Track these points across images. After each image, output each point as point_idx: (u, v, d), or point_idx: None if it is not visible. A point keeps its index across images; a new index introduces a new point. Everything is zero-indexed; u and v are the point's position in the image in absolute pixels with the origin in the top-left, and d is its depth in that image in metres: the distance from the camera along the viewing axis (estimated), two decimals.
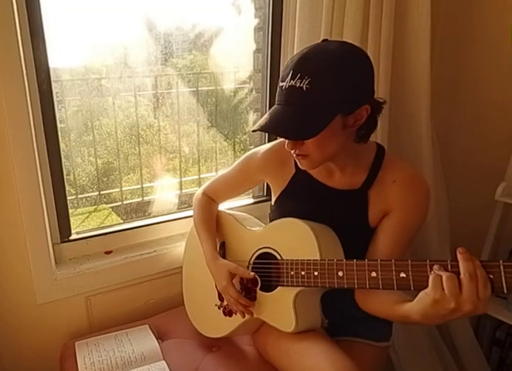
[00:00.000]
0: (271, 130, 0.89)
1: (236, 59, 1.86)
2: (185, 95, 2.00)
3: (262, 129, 0.86)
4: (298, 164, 0.95)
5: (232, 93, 2.07)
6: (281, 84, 0.86)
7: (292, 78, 0.82)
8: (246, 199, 1.59)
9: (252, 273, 1.01)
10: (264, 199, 1.60)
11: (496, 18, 1.50)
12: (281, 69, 0.90)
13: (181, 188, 2.01)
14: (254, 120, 1.62)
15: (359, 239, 0.99)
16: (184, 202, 1.92)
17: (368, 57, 0.87)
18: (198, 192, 1.25)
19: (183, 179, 2.08)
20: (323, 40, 0.88)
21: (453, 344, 1.62)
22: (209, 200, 1.22)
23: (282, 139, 1.12)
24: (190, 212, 1.46)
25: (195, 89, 2.01)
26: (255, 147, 1.19)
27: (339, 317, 1.04)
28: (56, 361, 1.18)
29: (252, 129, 0.88)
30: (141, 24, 1.67)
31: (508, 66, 1.51)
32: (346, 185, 0.99)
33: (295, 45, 1.29)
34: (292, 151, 0.91)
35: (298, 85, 0.81)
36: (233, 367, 1.09)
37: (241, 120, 2.09)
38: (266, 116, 0.87)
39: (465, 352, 1.59)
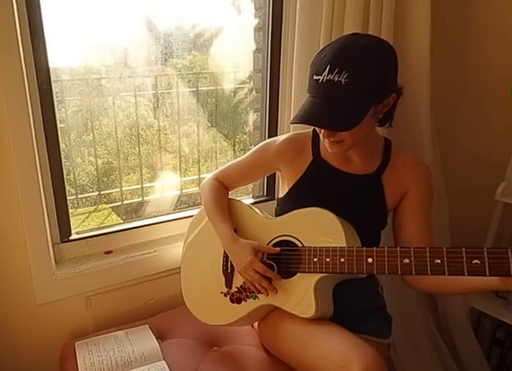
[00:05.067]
0: (313, 122, 0.92)
1: (236, 59, 1.87)
2: (185, 95, 2.00)
3: (304, 121, 0.92)
4: (329, 149, 1.00)
5: (232, 93, 2.07)
6: (316, 78, 0.90)
7: (330, 72, 0.87)
8: (246, 199, 1.59)
9: (278, 248, 1.02)
10: (264, 198, 1.59)
11: (496, 17, 1.51)
12: (313, 59, 0.94)
13: (181, 189, 2.01)
14: (254, 120, 1.62)
15: (376, 223, 1.07)
16: (184, 202, 1.92)
17: (392, 47, 0.94)
18: (207, 178, 1.24)
19: (183, 179, 2.09)
20: (352, 34, 0.93)
21: (453, 344, 1.62)
22: (221, 185, 1.21)
23: (297, 131, 1.16)
24: (190, 212, 1.46)
25: (195, 89, 2.01)
26: (255, 146, 1.20)
27: (340, 311, 1.04)
28: (56, 361, 1.18)
29: (291, 121, 0.93)
30: (141, 24, 1.67)
31: (509, 64, 1.51)
32: (363, 171, 1.06)
33: (295, 45, 1.29)
34: (327, 140, 0.97)
35: (336, 79, 0.87)
36: (233, 367, 1.09)
37: (241, 120, 2.09)
38: (303, 108, 0.92)
39: (465, 352, 1.59)
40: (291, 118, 0.95)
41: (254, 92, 1.58)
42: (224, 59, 1.88)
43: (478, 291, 0.89)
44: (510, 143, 1.52)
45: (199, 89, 2.02)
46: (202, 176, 2.03)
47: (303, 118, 0.91)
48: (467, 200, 1.65)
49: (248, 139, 1.96)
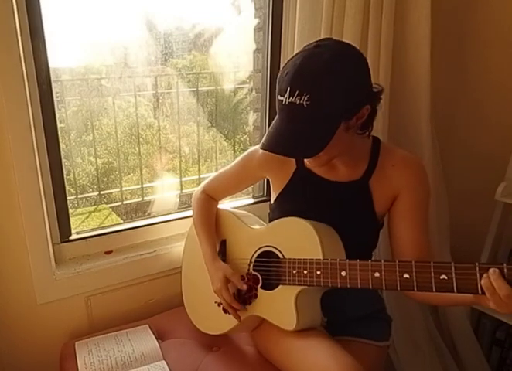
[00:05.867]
0: (279, 151, 0.89)
1: (236, 59, 1.87)
2: (185, 95, 2.01)
3: (271, 150, 0.88)
4: (306, 161, 0.99)
5: (232, 93, 2.07)
6: (280, 98, 0.86)
7: (291, 95, 0.82)
8: (246, 199, 1.59)
9: (245, 286, 1.02)
10: (264, 199, 1.59)
11: (496, 17, 1.51)
12: (278, 76, 0.89)
13: (181, 188, 2.01)
14: (254, 120, 1.62)
15: (366, 229, 1.03)
16: (184, 202, 1.92)
17: (361, 54, 0.87)
18: (197, 190, 1.25)
19: (183, 179, 2.09)
20: (316, 45, 0.86)
21: (453, 344, 1.62)
22: (209, 199, 1.22)
23: None
24: (190, 212, 1.46)
25: (195, 89, 2.01)
26: (247, 150, 1.19)
27: (338, 316, 1.04)
28: (56, 361, 1.18)
29: (260, 148, 0.91)
30: (141, 24, 1.67)
31: (509, 65, 1.51)
32: (348, 177, 1.02)
33: (295, 46, 1.29)
34: None
35: (298, 102, 0.82)
36: (233, 367, 1.09)
37: (241, 120, 2.10)
38: (270, 133, 0.89)
39: (465, 352, 1.59)
40: (261, 142, 0.92)
41: (254, 92, 1.58)
42: (224, 59, 1.88)
43: (458, 305, 0.86)
44: (510, 143, 1.52)
45: (199, 89, 2.02)
46: (202, 176, 2.03)
47: (269, 145, 0.88)
48: (467, 200, 1.65)
49: (248, 139, 1.96)
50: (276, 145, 0.88)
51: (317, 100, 0.81)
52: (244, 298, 1.04)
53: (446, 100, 1.61)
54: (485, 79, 1.57)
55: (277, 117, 0.90)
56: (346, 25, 1.24)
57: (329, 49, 0.84)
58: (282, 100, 0.85)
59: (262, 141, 0.90)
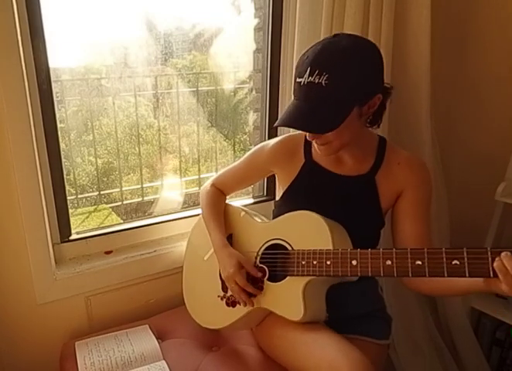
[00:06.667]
0: (294, 125, 0.92)
1: (236, 59, 1.87)
2: (185, 95, 2.01)
3: (286, 124, 0.92)
4: (318, 150, 1.00)
5: (232, 93, 2.07)
6: (298, 80, 0.90)
7: (311, 74, 0.87)
8: (246, 199, 1.59)
9: (260, 273, 1.02)
10: (264, 199, 1.59)
11: (497, 17, 1.51)
12: (294, 66, 0.96)
13: (181, 188, 2.01)
14: (254, 120, 1.62)
15: (371, 224, 1.05)
16: (184, 202, 1.92)
17: (376, 47, 0.93)
18: (206, 183, 1.27)
19: (183, 179, 2.09)
20: (334, 35, 0.92)
21: (453, 344, 1.62)
22: (218, 191, 1.24)
23: (291, 133, 1.16)
24: (191, 212, 1.46)
25: (195, 89, 2.01)
26: (255, 146, 1.20)
27: (338, 313, 1.04)
28: (56, 361, 1.18)
29: (275, 124, 0.94)
30: (141, 24, 1.67)
31: (509, 64, 1.51)
32: (355, 171, 1.04)
33: (295, 46, 1.29)
34: (314, 141, 0.98)
35: (317, 81, 0.86)
36: (233, 367, 1.09)
37: (241, 120, 2.10)
38: (286, 111, 0.92)
39: (465, 352, 1.59)
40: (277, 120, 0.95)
41: (254, 92, 1.58)
42: (224, 59, 1.89)
43: (469, 293, 0.88)
44: (510, 143, 1.52)
45: (199, 89, 2.02)
46: (202, 176, 2.03)
47: (284, 121, 0.91)
48: (467, 200, 1.65)
49: (248, 139, 1.96)
50: (290, 120, 0.91)
51: (335, 81, 0.86)
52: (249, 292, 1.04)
53: (446, 99, 1.61)
54: (485, 80, 1.57)
55: (292, 99, 0.93)
56: (346, 25, 1.25)
57: (346, 38, 0.90)
58: (301, 81, 0.89)
59: (278, 119, 0.93)
